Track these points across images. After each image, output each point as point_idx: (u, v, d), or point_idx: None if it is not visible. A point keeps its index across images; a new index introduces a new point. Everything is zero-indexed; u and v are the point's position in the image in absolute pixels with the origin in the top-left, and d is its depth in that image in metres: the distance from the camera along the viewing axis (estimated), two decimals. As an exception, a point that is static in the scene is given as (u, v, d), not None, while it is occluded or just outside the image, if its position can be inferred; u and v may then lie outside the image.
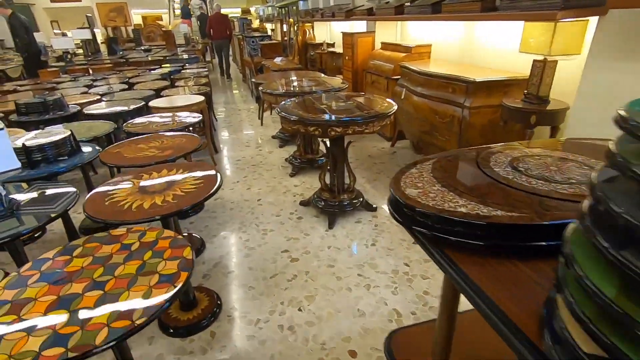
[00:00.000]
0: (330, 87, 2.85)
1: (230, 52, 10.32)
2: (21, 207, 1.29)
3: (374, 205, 2.51)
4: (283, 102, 2.36)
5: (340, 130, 1.92)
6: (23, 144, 1.56)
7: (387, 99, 2.37)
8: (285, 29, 5.64)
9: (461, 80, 2.46)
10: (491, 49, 2.75)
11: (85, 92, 3.66)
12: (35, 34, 7.06)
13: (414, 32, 3.88)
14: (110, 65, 5.79)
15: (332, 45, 6.05)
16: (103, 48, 7.90)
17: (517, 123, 2.28)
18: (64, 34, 9.22)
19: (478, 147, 1.14)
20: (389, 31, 4.19)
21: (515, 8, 1.96)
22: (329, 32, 6.70)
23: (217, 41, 7.98)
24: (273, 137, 4.08)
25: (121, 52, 7.02)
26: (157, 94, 3.53)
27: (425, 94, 2.83)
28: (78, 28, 7.28)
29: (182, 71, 4.89)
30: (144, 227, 1.14)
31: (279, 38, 5.57)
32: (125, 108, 2.79)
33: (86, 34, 6.64)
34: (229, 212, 2.58)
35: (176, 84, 4.01)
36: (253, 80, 3.57)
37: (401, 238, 2.17)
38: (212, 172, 1.50)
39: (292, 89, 2.82)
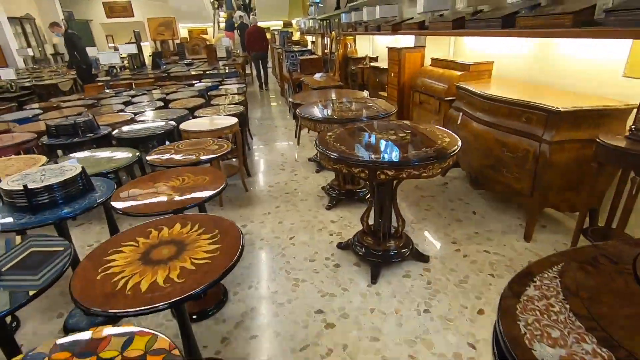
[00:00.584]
0: (377, 112, 2.50)
1: (270, 65, 10.30)
2: (2, 275, 1.05)
3: (425, 255, 2.11)
4: (321, 132, 2.05)
5: (392, 174, 1.56)
6: (25, 186, 1.36)
7: (448, 131, 1.97)
8: (326, 43, 5.39)
9: (540, 109, 2.02)
10: (575, 69, 2.27)
11: (121, 110, 3.58)
12: (88, 48, 7.36)
13: (470, 46, 3.45)
14: (152, 79, 5.83)
15: (375, 59, 5.71)
16: (150, 62, 8.13)
17: (619, 167, 1.80)
18: (115, 48, 9.64)
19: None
20: (440, 46, 3.78)
21: (624, 23, 1.52)
22: (371, 46, 6.38)
23: (255, 53, 8.25)
24: (310, 159, 3.79)
25: (164, 66, 7.12)
26: (192, 112, 3.37)
27: (490, 121, 2.40)
28: (126, 43, 7.51)
29: (220, 87, 4.77)
30: (132, 322, 0.85)
31: (320, 52, 5.33)
32: (152, 132, 2.60)
33: (132, 49, 6.80)
34: (257, 252, 2.29)
35: (212, 102, 3.85)
36: (291, 100, 3.31)
37: (462, 304, 1.76)
38: (234, 234, 1.20)
39: (332, 113, 2.51)
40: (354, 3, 5.65)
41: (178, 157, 2.12)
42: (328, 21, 7.60)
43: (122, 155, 2.16)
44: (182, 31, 13.85)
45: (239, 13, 14.22)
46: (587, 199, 1.94)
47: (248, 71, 10.01)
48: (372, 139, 1.87)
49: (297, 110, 2.62)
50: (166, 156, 2.15)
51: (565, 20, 1.71)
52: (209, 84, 5.03)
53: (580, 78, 2.24)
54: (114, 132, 2.69)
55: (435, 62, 3.56)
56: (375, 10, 4.35)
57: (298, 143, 4.36)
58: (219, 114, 3.18)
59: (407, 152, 1.63)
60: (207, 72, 6.16)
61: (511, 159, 2.24)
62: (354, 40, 6.21)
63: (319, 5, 9.46)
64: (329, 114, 2.48)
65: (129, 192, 1.62)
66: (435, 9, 3.14)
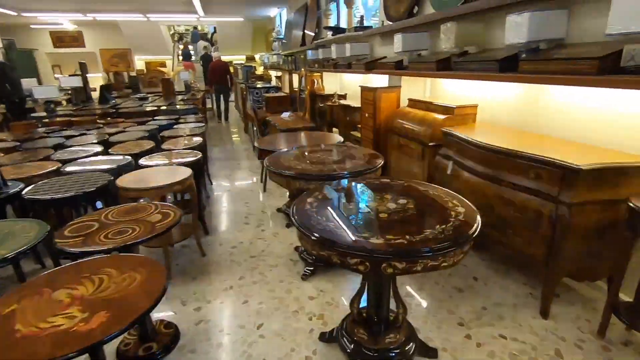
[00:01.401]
0: (363, 164, 2.12)
1: (232, 98, 9.94)
2: None
3: (432, 348, 1.67)
4: (298, 195, 1.61)
5: (403, 267, 1.14)
6: None
7: (455, 194, 1.61)
8: (295, 80, 5.10)
9: (553, 165, 1.72)
10: (573, 117, 2.05)
11: (48, 157, 2.94)
12: (26, 80, 6.58)
13: (448, 88, 3.25)
14: (97, 116, 5.17)
15: (344, 97, 5.50)
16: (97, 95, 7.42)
17: (661, 237, 1.51)
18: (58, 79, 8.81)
19: None
20: (415, 86, 3.57)
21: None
22: (339, 83, 6.20)
23: (217, 86, 8.25)
24: (279, 210, 3.31)
25: (113, 101, 6.47)
26: (137, 159, 2.81)
27: (489, 174, 2.09)
28: (70, 75, 6.80)
29: (176, 126, 4.24)
30: None
31: (286, 89, 5.03)
32: (78, 191, 2.03)
33: (76, 82, 6.12)
34: (214, 353, 1.73)
35: (164, 144, 3.32)
36: (256, 144, 2.87)
37: None
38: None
39: (309, 165, 2.09)
40: (321, 40, 5.47)
41: (102, 236, 1.56)
42: (293, 57, 7.42)
43: (24, 230, 1.57)
44: (139, 63, 13.21)
45: (202, 43, 13.89)
46: (616, 272, 1.63)
47: (209, 105, 9.53)
48: (368, 210, 1.45)
49: (265, 161, 2.18)
50: (83, 235, 1.58)
51: (589, 66, 1.45)
52: (164, 122, 4.49)
53: (587, 126, 2.00)
54: (25, 191, 2.08)
55: (414, 103, 3.32)
56: (345, 47, 4.13)
57: (264, 189, 3.89)
58: (171, 162, 2.66)
59: (419, 233, 1.23)
60: (162, 108, 5.61)
61: (519, 220, 1.92)
62: (321, 77, 6.00)
63: (283, 41, 9.35)
64: (305, 167, 2.06)
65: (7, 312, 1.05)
66: (414, 48, 2.92)
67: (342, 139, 2.89)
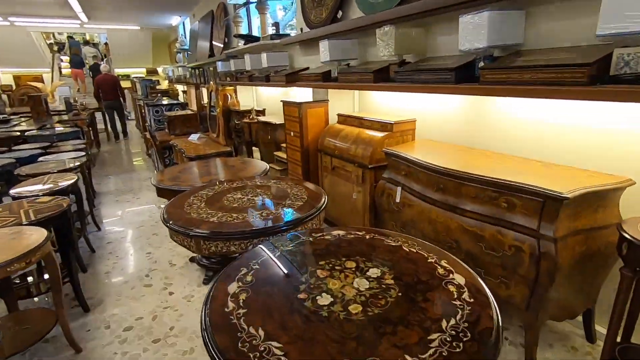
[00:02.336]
0: (305, 207, 1.60)
1: (132, 116, 8.75)
2: None
3: None
4: (216, 282, 1.03)
5: None
6: None
7: (448, 255, 1.20)
8: (204, 95, 4.39)
9: (531, 193, 1.44)
10: (537, 130, 1.84)
11: None
12: None
13: (380, 100, 2.95)
14: None
15: (262, 112, 4.97)
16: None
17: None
18: None
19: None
20: (343, 100, 3.22)
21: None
22: (254, 97, 5.65)
23: (107, 102, 7.48)
24: (192, 259, 2.60)
25: (-44, 126, 4.91)
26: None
27: (448, 203, 1.76)
28: None
29: (43, 158, 3.21)
30: None
31: (194, 106, 4.31)
32: None
33: None
34: None
35: (15, 189, 2.36)
36: (154, 183, 2.16)
37: None
38: None
39: (228, 214, 1.50)
40: (232, 50, 4.87)
41: None
42: (202, 70, 6.64)
43: None
44: (5, 77, 10.84)
45: (90, 50, 11.99)
46: (616, 317, 1.38)
47: (102, 125, 8.11)
48: (331, 307, 0.93)
49: (163, 212, 1.53)
50: None
51: (578, 75, 1.16)
52: (25, 154, 3.39)
53: (538, 143, 1.80)
54: None
55: (344, 119, 2.95)
56: (262, 58, 3.62)
57: None
58: (19, 219, 1.80)
59: (425, 347, 0.75)
60: (29, 134, 4.37)
61: (491, 258, 1.61)
62: (235, 91, 5.39)
63: (188, 52, 8.47)
64: (223, 219, 1.47)
65: None
66: (342, 57, 2.54)
67: (267, 167, 2.35)
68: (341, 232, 1.30)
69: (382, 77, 2.14)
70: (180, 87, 10.21)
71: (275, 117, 4.33)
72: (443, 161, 1.84)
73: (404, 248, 1.19)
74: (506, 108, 1.92)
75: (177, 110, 4.08)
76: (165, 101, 4.34)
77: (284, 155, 3.71)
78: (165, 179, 2.17)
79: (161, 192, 2.10)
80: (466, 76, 1.63)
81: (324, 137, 2.98)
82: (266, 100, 5.18)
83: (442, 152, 2.08)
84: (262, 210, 1.49)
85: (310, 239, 1.26)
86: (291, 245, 1.18)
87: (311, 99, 3.21)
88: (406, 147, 2.26)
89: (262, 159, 4.63)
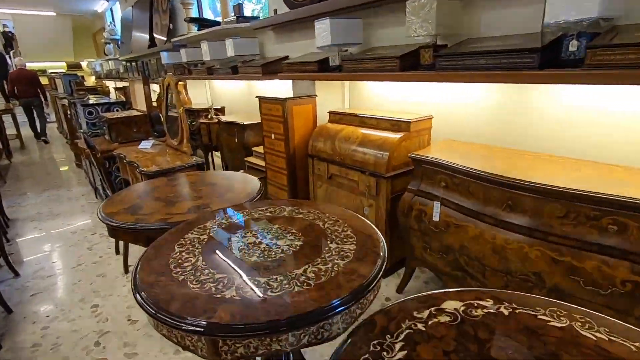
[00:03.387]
0: (377, 260, 1.09)
1: (53, 118, 7.48)
2: None
3: None
4: None
5: None
6: None
7: None
8: (154, 92, 3.58)
9: (664, 213, 1.08)
10: (597, 126, 1.51)
11: None
12: None
13: (376, 93, 2.51)
14: None
15: (221, 111, 4.29)
16: None
17: None
18: None
19: None
20: (330, 95, 2.72)
21: None
22: (208, 93, 4.92)
23: (25, 100, 6.62)
24: (160, 310, 1.94)
25: None
26: None
27: (527, 226, 1.36)
28: None
29: None
30: None
31: (141, 105, 3.48)
32: None
33: None
34: None
35: None
36: (103, 217, 1.48)
37: None
38: None
39: (259, 284, 0.93)
40: (181, 38, 4.11)
41: None
42: (140, 62, 5.69)
43: None
44: None
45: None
46: None
47: (12, 131, 6.71)
48: None
49: (141, 287, 0.91)
50: None
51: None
52: None
53: (585, 138, 1.48)
54: None
55: (339, 117, 2.45)
56: (227, 46, 2.98)
57: (126, 269, 2.39)
58: None
59: None
60: None
61: (595, 297, 1.24)
62: (185, 87, 4.62)
63: (120, 42, 7.34)
64: (253, 293, 0.90)
65: None
66: (346, 42, 2.04)
67: (259, 185, 1.78)
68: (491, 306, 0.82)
69: (410, 64, 1.68)
70: (111, 84, 8.93)
71: (239, 116, 3.70)
72: (499, 168, 1.45)
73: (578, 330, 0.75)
74: (556, 98, 1.57)
75: (117, 110, 3.26)
76: (101, 100, 3.47)
77: (260, 162, 3.12)
78: (119, 211, 1.51)
79: (116, 232, 1.44)
80: (551, 58, 1.23)
81: (316, 140, 2.46)
82: (224, 97, 4.49)
83: (484, 156, 1.69)
84: (303, 268, 0.95)
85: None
86: None
87: (290, 95, 2.66)
88: (435, 150, 1.84)
89: (226, 168, 3.97)
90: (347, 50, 2.15)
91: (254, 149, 3.38)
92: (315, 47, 2.62)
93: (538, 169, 1.44)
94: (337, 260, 0.98)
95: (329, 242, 1.09)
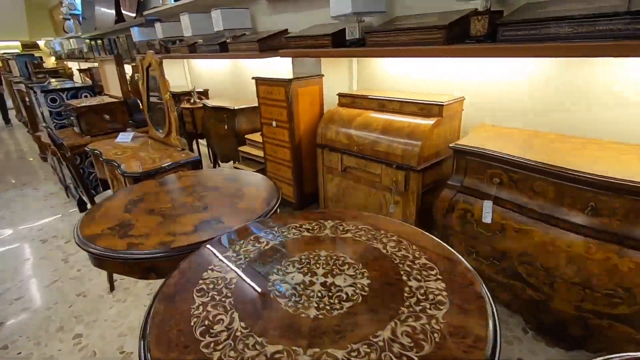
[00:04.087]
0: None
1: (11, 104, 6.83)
2: None
3: None
4: None
5: None
6: None
7: None
8: (128, 74, 3.10)
9: None
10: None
11: None
12: None
13: (387, 70, 2.20)
14: None
15: (205, 94, 3.86)
16: None
17: None
18: None
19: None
20: (333, 75, 2.39)
21: None
22: (186, 74, 4.46)
23: None
24: (159, 338, 1.63)
25: None
26: None
27: (619, 233, 1.12)
28: None
29: None
30: None
31: (115, 90, 2.99)
32: None
33: None
34: None
35: None
36: (83, 244, 1.14)
37: None
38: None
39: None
40: (154, 11, 3.60)
41: None
42: (107, 40, 5.09)
43: None
44: None
45: None
46: None
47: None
48: None
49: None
50: None
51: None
52: None
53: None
54: None
55: (351, 100, 2.14)
56: (213, 18, 2.55)
57: (112, 286, 2.05)
58: None
59: None
60: None
61: None
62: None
63: (82, 18, 6.60)
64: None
65: None
66: (366, 10, 1.70)
67: (275, 189, 1.47)
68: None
69: (458, 36, 1.38)
70: (74, 65, 8.14)
71: (227, 100, 3.31)
72: (575, 163, 1.20)
73: None
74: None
75: (85, 96, 2.79)
76: (66, 84, 2.97)
77: (258, 152, 2.78)
78: (103, 232, 1.17)
79: (102, 262, 1.10)
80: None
81: (326, 127, 2.15)
82: (206, 79, 4.05)
83: (544, 145, 1.44)
84: (389, 327, 0.67)
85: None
86: None
87: (288, 75, 2.30)
88: (478, 138, 1.57)
89: (214, 157, 3.59)
90: (363, 21, 1.81)
91: (248, 136, 3.02)
92: (319, 19, 2.28)
93: (623, 162, 1.20)
94: (429, 309, 0.71)
95: (404, 276, 0.81)
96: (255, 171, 2.85)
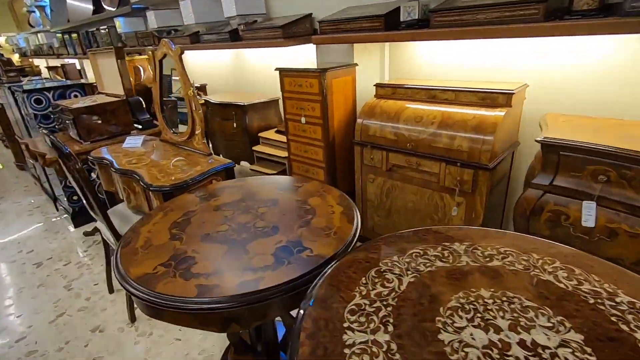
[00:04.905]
0: None
1: None
2: None
3: None
4: None
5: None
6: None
7: None
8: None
9: None
10: None
11: None
12: None
13: (423, 58, 1.99)
14: None
15: (203, 90, 3.54)
16: None
17: None
18: None
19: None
20: (364, 64, 2.16)
21: None
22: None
23: None
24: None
25: None
26: None
27: None
28: None
29: None
30: None
31: (110, 87, 2.60)
32: None
33: None
34: None
35: None
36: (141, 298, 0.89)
37: None
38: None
39: None
40: (143, -2, 3.22)
41: None
42: (85, 33, 4.62)
43: None
44: None
45: None
46: None
47: None
48: None
49: None
50: None
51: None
52: None
53: None
54: None
55: (392, 92, 1.91)
56: (223, 4, 2.25)
57: (111, 287, 1.76)
58: None
59: None
60: None
61: None
62: (149, 62, 3.78)
63: (50, 10, 6.01)
64: None
65: None
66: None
67: (345, 198, 1.24)
68: None
69: (555, 11, 1.18)
70: (41, 62, 7.50)
71: (232, 95, 3.00)
72: None
73: None
74: None
75: (75, 96, 2.42)
76: (51, 83, 2.57)
77: (276, 152, 2.52)
78: (157, 270, 0.91)
79: (162, 313, 0.84)
80: None
81: (366, 122, 1.91)
82: (201, 72, 3.72)
83: (637, 134, 1.27)
84: None
85: None
86: None
87: (310, 65, 2.05)
88: (563, 129, 1.38)
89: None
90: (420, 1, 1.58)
91: (262, 134, 2.75)
92: (346, 1, 2.02)
93: None
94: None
95: (621, 324, 0.60)
96: (276, 173, 2.60)
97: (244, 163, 3.31)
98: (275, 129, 2.80)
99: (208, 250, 0.98)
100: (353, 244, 0.99)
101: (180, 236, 1.06)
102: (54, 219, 2.82)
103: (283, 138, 2.61)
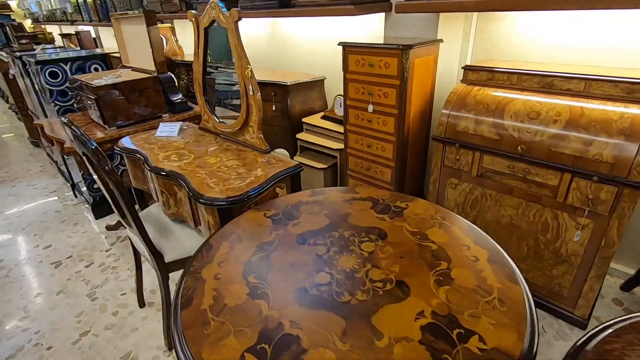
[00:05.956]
0: None
1: None
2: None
3: None
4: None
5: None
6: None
7: None
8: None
9: None
10: None
11: None
12: None
13: (521, 32, 1.58)
14: None
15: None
16: None
17: None
18: None
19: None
20: (454, 37, 1.74)
21: None
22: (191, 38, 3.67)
23: None
24: None
25: None
26: None
27: None
28: None
29: None
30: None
31: (137, 61, 2.22)
32: None
33: None
34: None
35: None
36: None
37: None
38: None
39: None
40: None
41: None
42: (100, -3, 4.20)
43: None
44: None
45: None
46: None
47: None
48: None
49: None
50: None
51: None
52: None
53: None
54: None
55: (487, 78, 1.52)
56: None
57: (142, 302, 1.47)
58: None
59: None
60: None
61: None
62: (172, 31, 3.40)
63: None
64: None
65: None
66: None
67: (456, 216, 0.89)
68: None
69: None
70: (54, 29, 7.10)
71: (269, 73, 2.61)
72: None
73: None
74: None
75: (96, 70, 2.07)
76: (69, 52, 2.21)
77: (325, 142, 2.17)
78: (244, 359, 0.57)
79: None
80: None
81: (455, 114, 1.53)
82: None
83: None
84: None
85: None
86: None
87: (366, 39, 1.64)
88: None
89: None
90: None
91: (305, 120, 2.39)
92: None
93: None
94: None
95: None
96: (326, 167, 2.25)
97: (280, 150, 2.98)
98: (322, 114, 2.43)
99: (314, 320, 0.64)
100: (534, 323, 0.64)
101: (263, 291, 0.72)
102: (72, 207, 2.55)
103: (330, 125, 2.25)
